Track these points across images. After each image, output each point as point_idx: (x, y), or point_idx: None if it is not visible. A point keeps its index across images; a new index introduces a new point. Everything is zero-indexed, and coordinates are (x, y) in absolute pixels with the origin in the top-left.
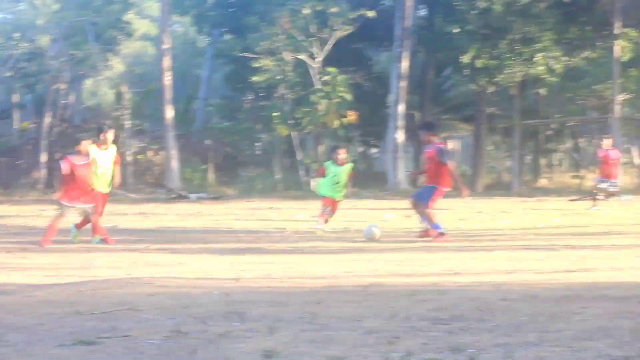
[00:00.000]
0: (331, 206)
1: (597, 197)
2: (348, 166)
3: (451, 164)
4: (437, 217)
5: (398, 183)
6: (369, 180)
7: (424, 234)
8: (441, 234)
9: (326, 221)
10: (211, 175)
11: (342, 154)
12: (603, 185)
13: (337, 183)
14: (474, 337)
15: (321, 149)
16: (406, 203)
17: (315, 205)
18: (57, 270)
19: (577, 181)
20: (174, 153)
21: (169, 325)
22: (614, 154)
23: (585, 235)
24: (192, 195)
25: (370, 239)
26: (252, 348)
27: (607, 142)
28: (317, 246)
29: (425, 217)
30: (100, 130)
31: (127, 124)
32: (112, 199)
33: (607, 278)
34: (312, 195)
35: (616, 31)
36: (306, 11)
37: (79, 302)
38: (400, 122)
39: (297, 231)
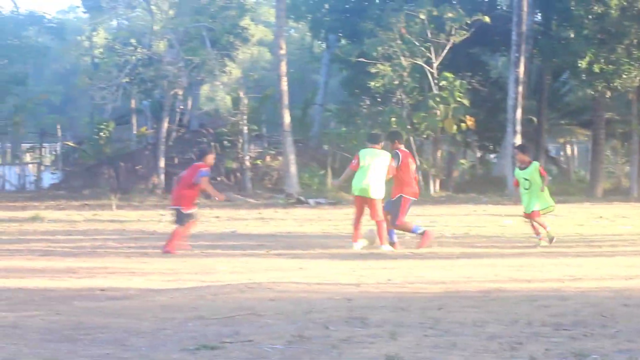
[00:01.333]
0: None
1: None
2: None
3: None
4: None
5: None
6: (487, 185)
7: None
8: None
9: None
10: (329, 181)
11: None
12: None
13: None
14: (597, 343)
15: (439, 154)
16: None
17: (431, 211)
18: (177, 275)
19: None
20: (292, 158)
21: (291, 330)
22: None
23: None
24: (311, 201)
25: (372, 242)
26: (375, 353)
27: None
28: (436, 252)
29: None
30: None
31: (245, 129)
32: (231, 204)
33: None
34: (431, 200)
35: None
36: (422, 16)
37: (201, 307)
38: (518, 127)
39: (416, 237)
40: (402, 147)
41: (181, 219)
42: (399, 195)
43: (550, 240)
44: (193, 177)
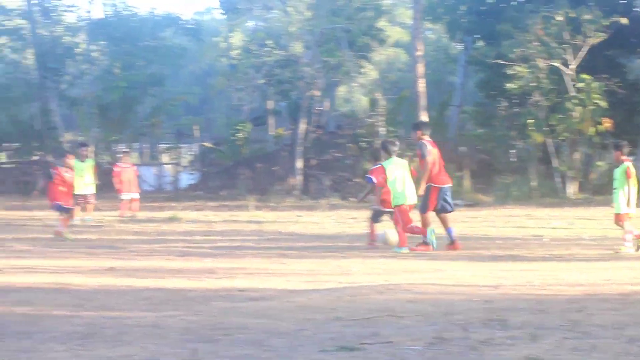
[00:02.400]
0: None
1: None
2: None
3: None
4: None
5: None
6: None
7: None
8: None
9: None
10: (467, 182)
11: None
12: None
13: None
14: None
15: (577, 156)
16: None
17: (569, 213)
18: (315, 275)
19: None
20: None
21: (430, 331)
22: None
23: None
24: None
25: (384, 242)
26: (515, 355)
27: None
28: (574, 254)
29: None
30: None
31: (382, 130)
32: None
33: None
34: (568, 202)
35: None
36: (559, 18)
37: (339, 308)
38: None
39: (554, 239)
40: (426, 137)
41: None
42: (428, 185)
43: (637, 248)
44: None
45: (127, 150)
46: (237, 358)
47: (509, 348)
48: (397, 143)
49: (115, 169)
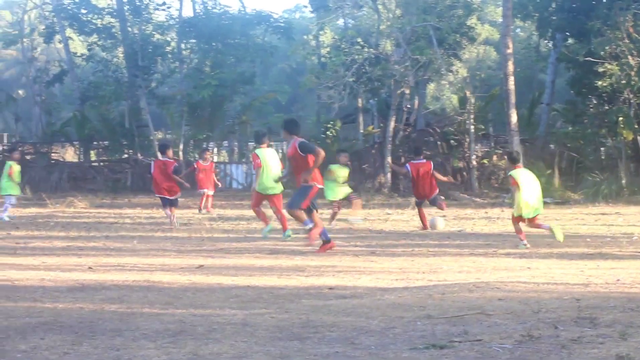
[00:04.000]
0: None
1: None
2: None
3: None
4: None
5: None
6: None
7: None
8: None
9: None
10: (556, 180)
11: None
12: None
13: None
14: None
15: None
16: None
17: None
18: (405, 273)
19: None
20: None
21: (519, 329)
22: None
23: None
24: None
25: (433, 228)
26: (605, 354)
27: None
28: None
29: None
30: None
31: (472, 128)
32: (457, 203)
33: None
34: None
35: None
36: None
37: (429, 306)
38: None
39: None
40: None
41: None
42: (313, 184)
43: None
44: None
45: (207, 148)
46: (327, 356)
47: (599, 346)
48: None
49: (196, 166)
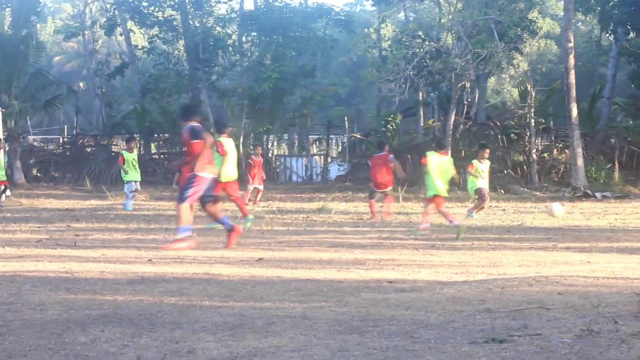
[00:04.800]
0: None
1: None
2: None
3: (205, 142)
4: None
5: None
6: None
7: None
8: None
9: None
10: (617, 174)
11: None
12: None
13: None
14: None
15: None
16: None
17: None
18: (464, 267)
19: None
20: (579, 151)
21: (579, 324)
22: None
23: None
24: (598, 194)
25: (550, 214)
26: None
27: None
28: None
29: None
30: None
31: (532, 122)
32: (517, 197)
33: None
34: None
35: None
36: None
37: (488, 300)
38: None
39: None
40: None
41: None
42: (199, 173)
43: None
44: None
45: (258, 144)
46: (386, 349)
47: None
48: None
49: (250, 161)
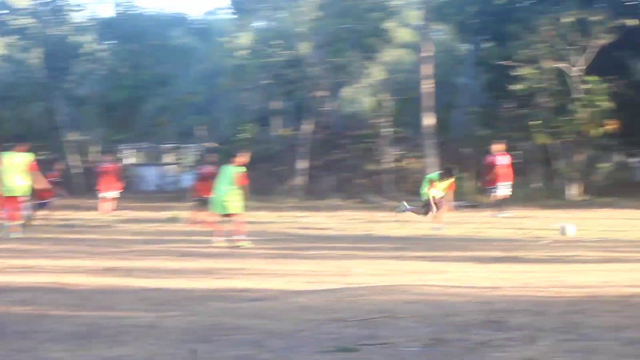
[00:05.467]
0: None
1: None
2: None
3: None
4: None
5: None
6: (628, 189)
7: None
8: None
9: None
10: (469, 183)
11: None
12: None
13: None
14: None
15: (580, 157)
16: None
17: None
18: (316, 276)
19: None
20: (432, 161)
21: (428, 333)
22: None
23: None
24: (450, 203)
25: (562, 233)
26: (513, 357)
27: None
28: (575, 255)
29: None
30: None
31: (386, 131)
32: (370, 206)
33: None
34: (571, 204)
35: None
36: (568, 19)
37: (339, 309)
38: None
39: (555, 240)
40: None
41: None
42: None
43: None
44: None
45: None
46: (235, 358)
47: (507, 350)
48: None
49: (100, 169)
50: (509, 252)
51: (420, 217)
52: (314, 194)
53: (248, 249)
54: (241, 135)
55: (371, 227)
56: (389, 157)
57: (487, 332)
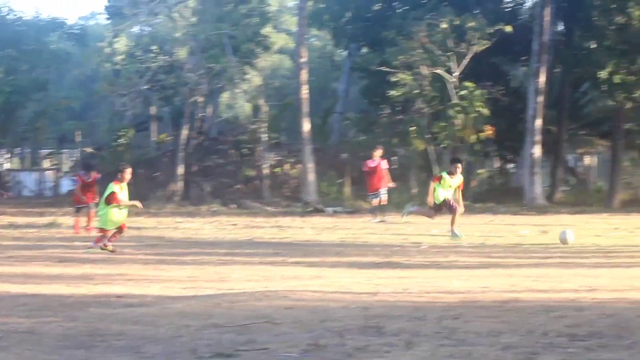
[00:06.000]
0: None
1: None
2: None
3: None
4: None
5: (535, 198)
6: (505, 195)
7: None
8: None
9: None
10: (347, 189)
11: None
12: None
13: None
14: (612, 354)
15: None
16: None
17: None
18: (194, 282)
19: None
20: (310, 166)
21: (306, 338)
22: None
23: None
24: (328, 209)
25: (564, 242)
26: None
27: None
28: (454, 261)
29: None
30: None
31: (264, 137)
32: (248, 212)
33: None
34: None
35: None
36: (444, 25)
37: (216, 315)
38: (537, 137)
39: (433, 246)
40: None
41: None
42: None
43: None
44: None
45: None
46: None
47: (385, 355)
48: None
49: None
50: (388, 257)
51: (426, 219)
52: (193, 199)
53: (112, 252)
54: (119, 140)
55: (250, 232)
56: (268, 162)
57: (365, 337)
